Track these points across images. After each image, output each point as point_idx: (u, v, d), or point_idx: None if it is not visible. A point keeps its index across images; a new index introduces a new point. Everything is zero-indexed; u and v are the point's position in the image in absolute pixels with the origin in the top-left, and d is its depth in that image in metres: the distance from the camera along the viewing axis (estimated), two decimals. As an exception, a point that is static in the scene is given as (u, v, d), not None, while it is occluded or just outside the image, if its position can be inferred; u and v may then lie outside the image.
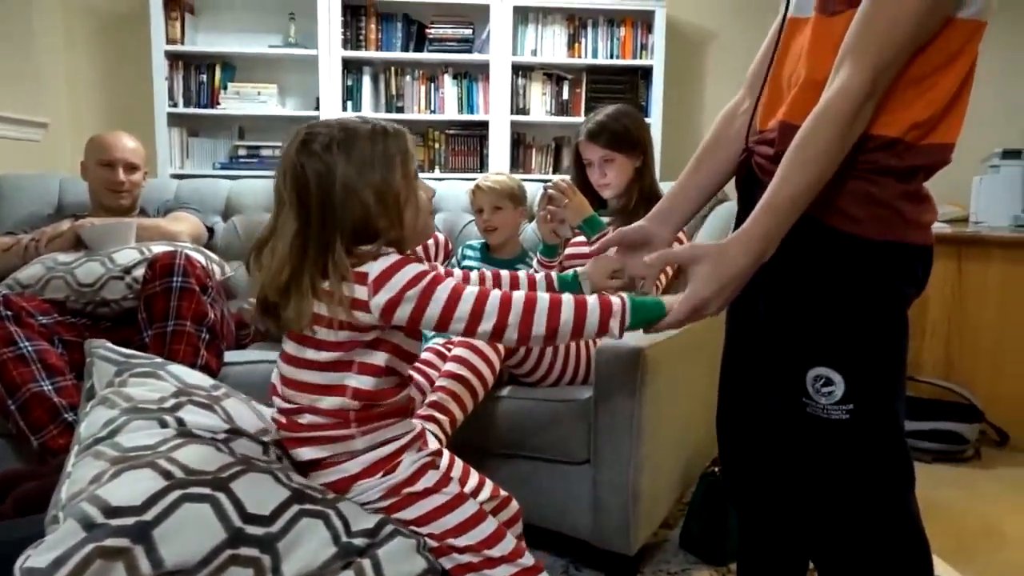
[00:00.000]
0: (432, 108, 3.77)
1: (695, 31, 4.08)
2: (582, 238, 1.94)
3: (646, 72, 3.76)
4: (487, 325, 1.08)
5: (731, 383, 1.31)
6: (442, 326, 1.09)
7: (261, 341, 2.23)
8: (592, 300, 1.11)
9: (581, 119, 3.72)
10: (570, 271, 1.37)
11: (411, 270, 1.09)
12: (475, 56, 3.70)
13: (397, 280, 1.08)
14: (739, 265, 1.01)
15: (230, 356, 1.91)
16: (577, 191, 1.81)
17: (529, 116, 3.78)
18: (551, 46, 3.76)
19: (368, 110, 3.70)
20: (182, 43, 3.58)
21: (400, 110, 3.74)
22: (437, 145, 3.80)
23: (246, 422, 1.18)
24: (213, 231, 2.43)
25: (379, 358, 1.14)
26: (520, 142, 3.84)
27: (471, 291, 1.09)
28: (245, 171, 3.62)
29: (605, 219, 1.98)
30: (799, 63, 1.08)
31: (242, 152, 3.69)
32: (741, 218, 1.15)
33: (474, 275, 1.38)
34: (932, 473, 2.45)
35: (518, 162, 3.82)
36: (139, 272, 1.88)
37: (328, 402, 1.13)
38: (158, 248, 1.98)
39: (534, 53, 3.75)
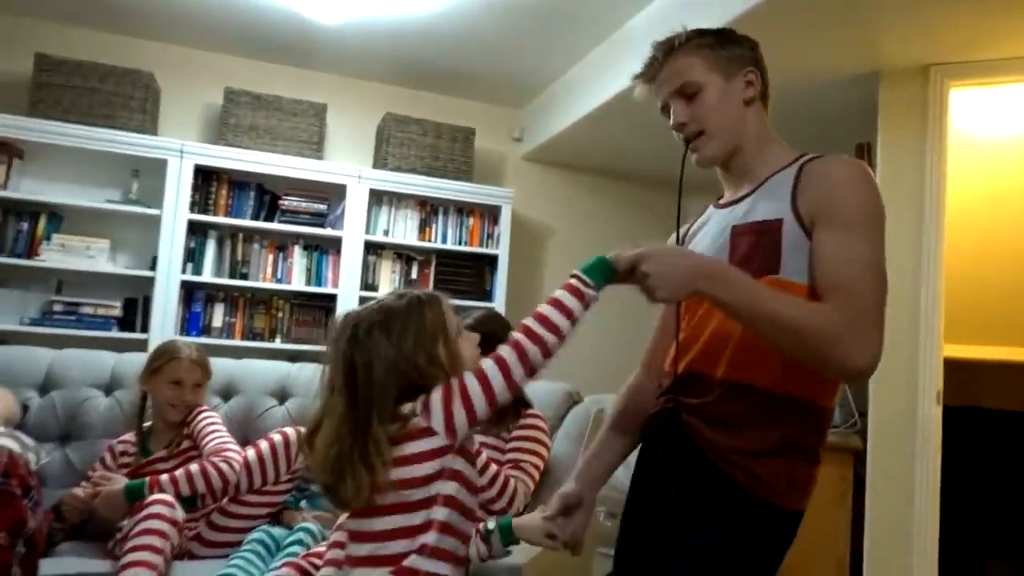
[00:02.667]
0: (279, 277, 3.71)
1: (537, 225, 4.44)
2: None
3: (492, 260, 3.99)
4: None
5: None
6: (491, 402, 1.15)
7: (72, 539, 1.95)
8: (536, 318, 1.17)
9: (429, 299, 3.86)
10: (503, 519, 1.42)
11: (440, 389, 1.17)
12: (328, 231, 3.74)
13: (435, 398, 1.16)
14: (688, 253, 1.19)
15: (46, 567, 1.64)
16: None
17: (378, 292, 3.82)
18: (403, 228, 3.90)
19: (209, 274, 3.57)
20: (4, 188, 3.31)
21: (244, 276, 3.64)
22: (281, 314, 3.70)
23: None
24: (27, 409, 2.15)
25: (451, 488, 1.17)
26: (367, 317, 3.83)
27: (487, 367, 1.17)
28: (60, 328, 3.30)
29: None
30: (728, 321, 1.19)
31: (58, 308, 3.36)
32: (645, 463, 1.28)
33: None
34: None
35: (363, 336, 3.80)
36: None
37: (419, 540, 1.14)
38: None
39: (386, 233, 3.86)
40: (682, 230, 1.41)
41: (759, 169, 1.26)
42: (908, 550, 2.64)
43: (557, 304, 1.15)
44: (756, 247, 1.18)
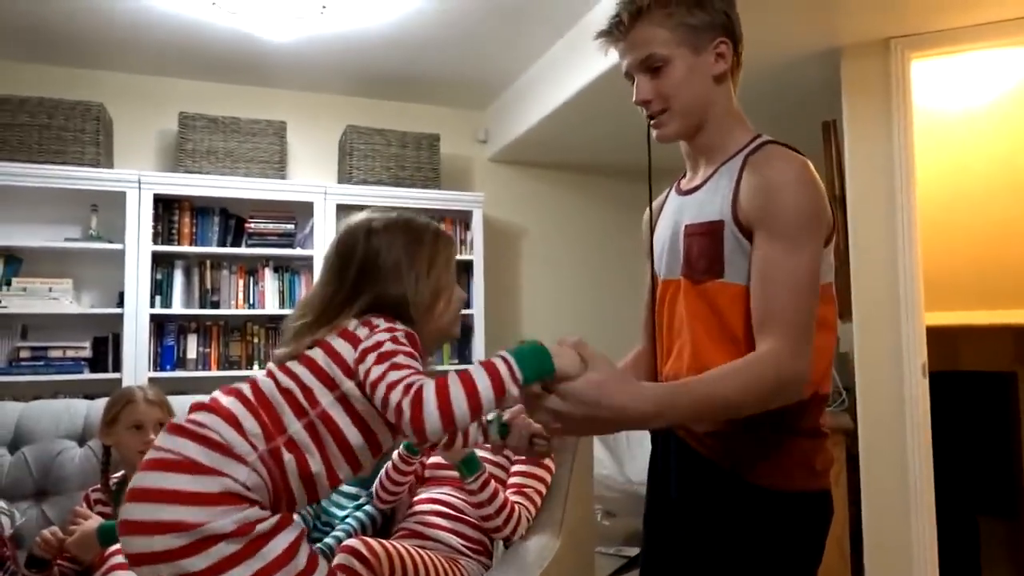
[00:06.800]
0: (251, 302, 3.63)
1: (510, 227, 4.39)
2: None
3: (467, 266, 3.94)
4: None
5: None
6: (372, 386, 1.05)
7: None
8: (476, 368, 1.00)
9: (407, 311, 3.80)
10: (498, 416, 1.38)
11: (389, 339, 1.09)
12: (298, 251, 3.67)
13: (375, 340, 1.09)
14: (624, 404, 0.96)
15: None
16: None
17: (354, 309, 3.75)
18: (375, 241, 3.82)
19: (179, 306, 3.48)
20: (-43, 235, 3.20)
21: (216, 304, 3.55)
22: (256, 340, 3.63)
23: None
24: (-2, 468, 2.07)
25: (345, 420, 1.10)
26: (345, 335, 3.77)
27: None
28: (28, 376, 3.21)
29: None
30: (683, 326, 1.20)
31: (25, 354, 3.26)
32: (655, 457, 1.26)
33: None
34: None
35: (343, 355, 3.73)
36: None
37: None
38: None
39: (358, 247, 3.78)
40: (654, 209, 1.37)
41: (719, 150, 1.22)
42: (905, 522, 2.64)
43: (468, 383, 0.99)
44: (702, 250, 1.17)
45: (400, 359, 1.05)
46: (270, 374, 1.13)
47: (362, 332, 1.11)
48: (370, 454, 1.14)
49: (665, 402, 0.99)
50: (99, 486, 2.03)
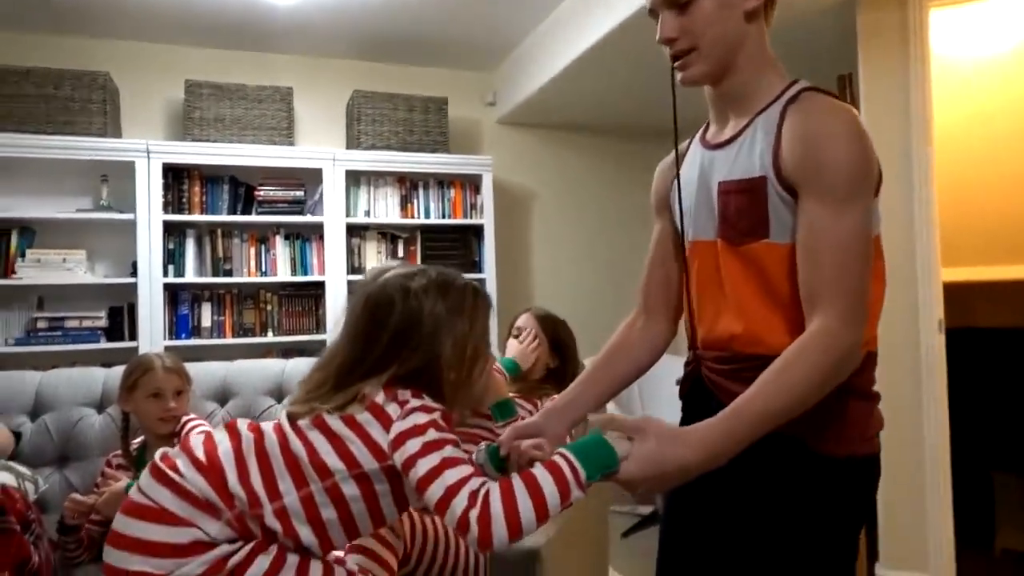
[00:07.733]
0: (263, 270, 3.64)
1: (519, 190, 4.36)
2: None
3: (477, 230, 3.92)
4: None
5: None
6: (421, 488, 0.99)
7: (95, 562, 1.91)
8: (540, 471, 0.96)
9: (418, 276, 3.80)
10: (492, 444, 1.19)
11: (429, 423, 1.03)
12: (308, 218, 3.66)
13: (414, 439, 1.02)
14: (686, 459, 0.93)
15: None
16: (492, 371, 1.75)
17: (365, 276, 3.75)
18: (384, 207, 3.82)
19: (192, 274, 3.49)
20: (-31, 208, 3.21)
21: (228, 273, 3.57)
22: (269, 307, 3.64)
23: None
24: (20, 436, 2.10)
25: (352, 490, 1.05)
26: (357, 301, 3.78)
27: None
28: (46, 346, 3.24)
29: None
30: (719, 290, 1.14)
31: (42, 324, 3.29)
32: (689, 420, 1.17)
33: None
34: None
35: (356, 321, 3.75)
36: (-65, 509, 1.56)
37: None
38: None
39: (367, 214, 3.78)
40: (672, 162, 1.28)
41: (750, 98, 1.12)
42: (920, 477, 2.65)
43: (535, 488, 0.94)
44: (744, 209, 1.09)
45: (449, 451, 0.99)
46: (279, 429, 1.09)
47: (392, 409, 1.04)
48: (371, 525, 1.10)
49: (720, 439, 0.95)
50: (120, 452, 2.06)
